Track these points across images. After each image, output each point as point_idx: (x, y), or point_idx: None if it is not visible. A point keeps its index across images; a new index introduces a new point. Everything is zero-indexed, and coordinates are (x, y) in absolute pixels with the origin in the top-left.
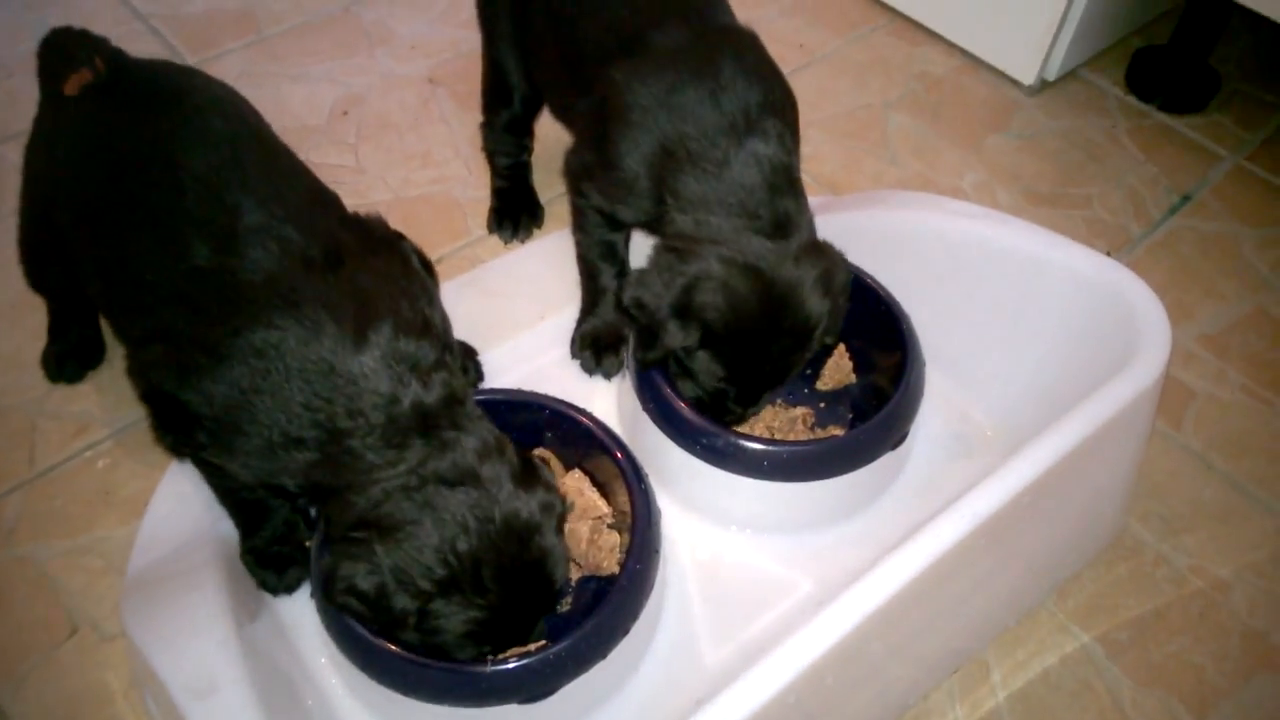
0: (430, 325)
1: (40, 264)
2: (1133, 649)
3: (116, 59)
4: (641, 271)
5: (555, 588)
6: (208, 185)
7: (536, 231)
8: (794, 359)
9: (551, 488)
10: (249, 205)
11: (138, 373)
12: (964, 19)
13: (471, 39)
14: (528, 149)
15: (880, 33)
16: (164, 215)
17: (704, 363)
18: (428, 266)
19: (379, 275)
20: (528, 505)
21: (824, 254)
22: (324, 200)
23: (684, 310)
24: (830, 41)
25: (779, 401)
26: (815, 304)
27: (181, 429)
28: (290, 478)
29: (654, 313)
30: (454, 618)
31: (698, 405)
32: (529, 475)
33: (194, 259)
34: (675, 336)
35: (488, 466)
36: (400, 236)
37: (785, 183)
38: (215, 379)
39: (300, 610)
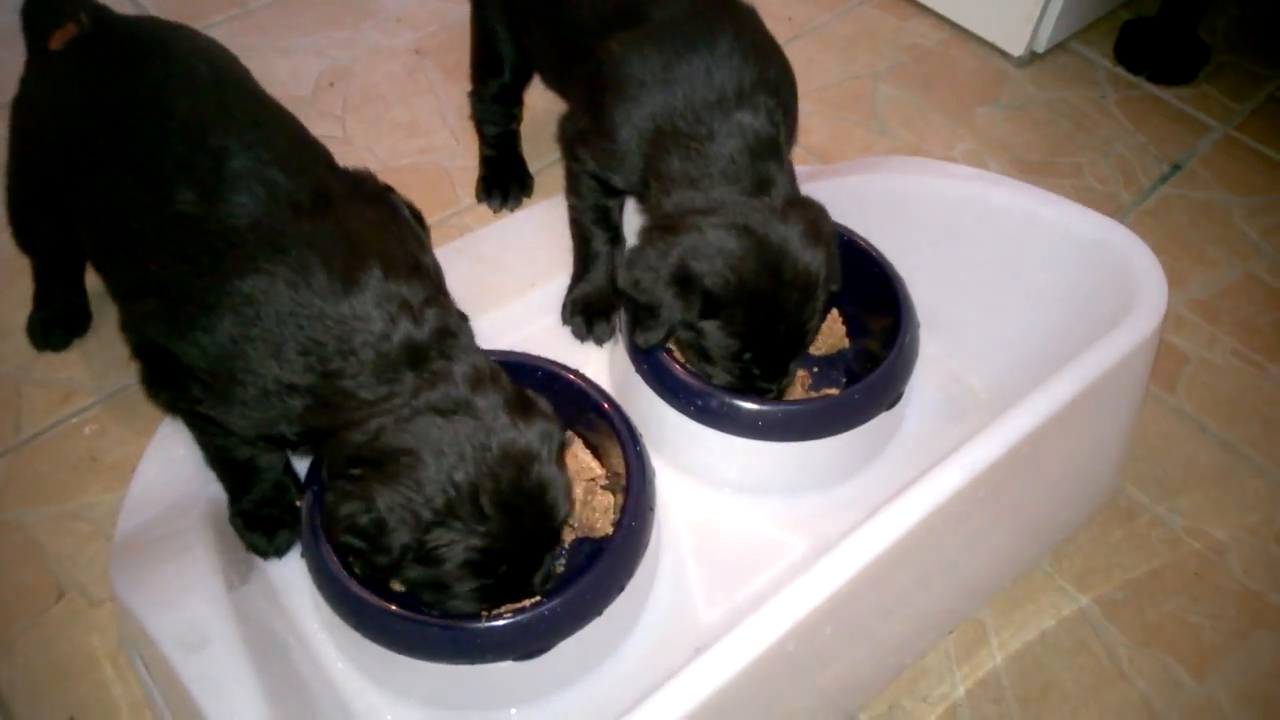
0: (421, 267)
1: (30, 223)
2: (1128, 609)
3: (101, 14)
4: (633, 251)
5: (558, 517)
6: (192, 129)
7: (526, 201)
8: (805, 314)
9: (549, 417)
10: (234, 148)
11: (130, 327)
12: None
13: (458, 10)
14: (516, 118)
15: (868, 6)
16: (149, 160)
17: (716, 336)
18: (418, 218)
19: (367, 220)
20: (525, 434)
21: (806, 206)
22: (312, 148)
23: (683, 280)
24: (818, 15)
25: None
26: (810, 254)
27: (175, 383)
28: (288, 425)
29: (651, 288)
30: (454, 546)
31: (731, 390)
32: (525, 404)
33: (179, 204)
34: (674, 309)
35: (481, 396)
36: (389, 189)
37: (767, 149)
38: (207, 329)
39: (292, 573)
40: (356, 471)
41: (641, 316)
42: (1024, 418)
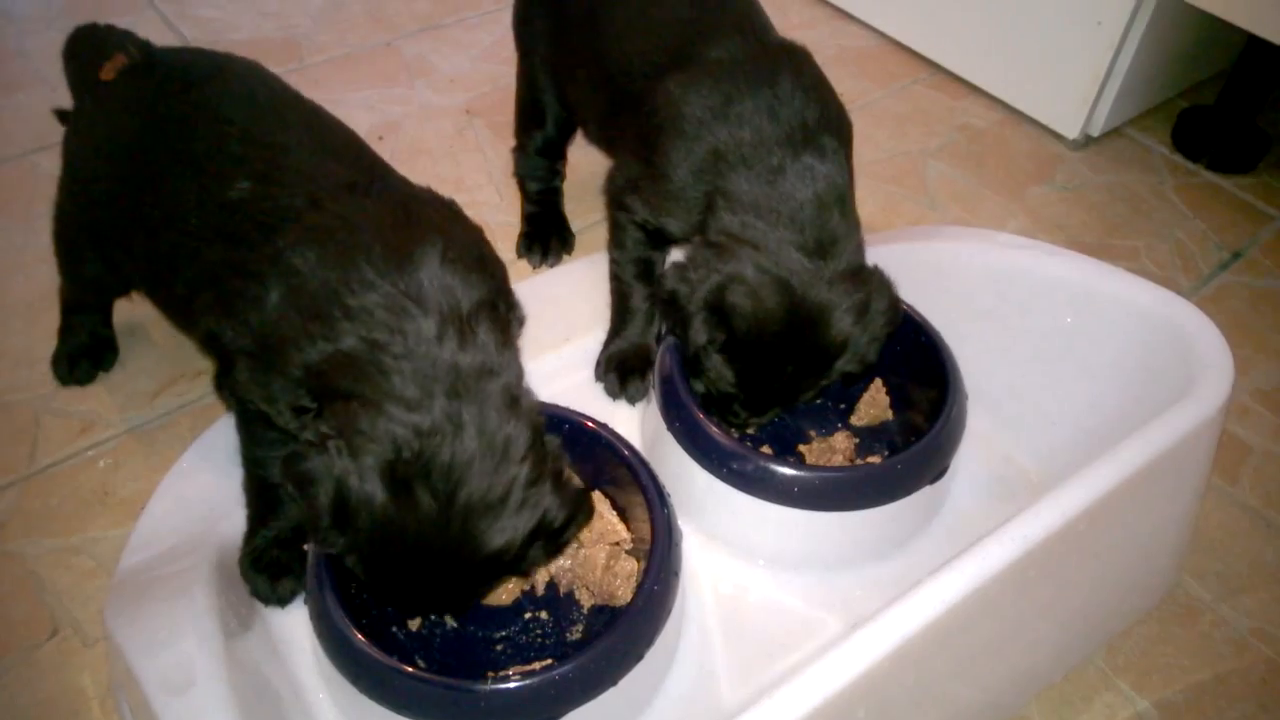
0: (485, 260)
1: (78, 250)
2: (1190, 715)
3: (147, 45)
4: (678, 265)
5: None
6: (252, 133)
7: (566, 258)
8: (806, 383)
9: (569, 503)
10: (292, 145)
11: (194, 324)
12: (1006, 73)
13: (510, 72)
14: (559, 174)
15: (921, 85)
16: (208, 160)
17: (718, 364)
18: (478, 230)
19: (426, 203)
20: (486, 546)
21: (865, 281)
22: (371, 153)
23: (715, 307)
24: (871, 92)
25: (813, 432)
26: (841, 330)
27: (226, 368)
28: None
29: (685, 306)
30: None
31: (704, 402)
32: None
33: (235, 192)
34: (701, 333)
35: (485, 477)
36: (452, 201)
37: (836, 202)
38: (256, 301)
39: (294, 623)
40: (333, 444)
41: (674, 327)
42: (1080, 492)
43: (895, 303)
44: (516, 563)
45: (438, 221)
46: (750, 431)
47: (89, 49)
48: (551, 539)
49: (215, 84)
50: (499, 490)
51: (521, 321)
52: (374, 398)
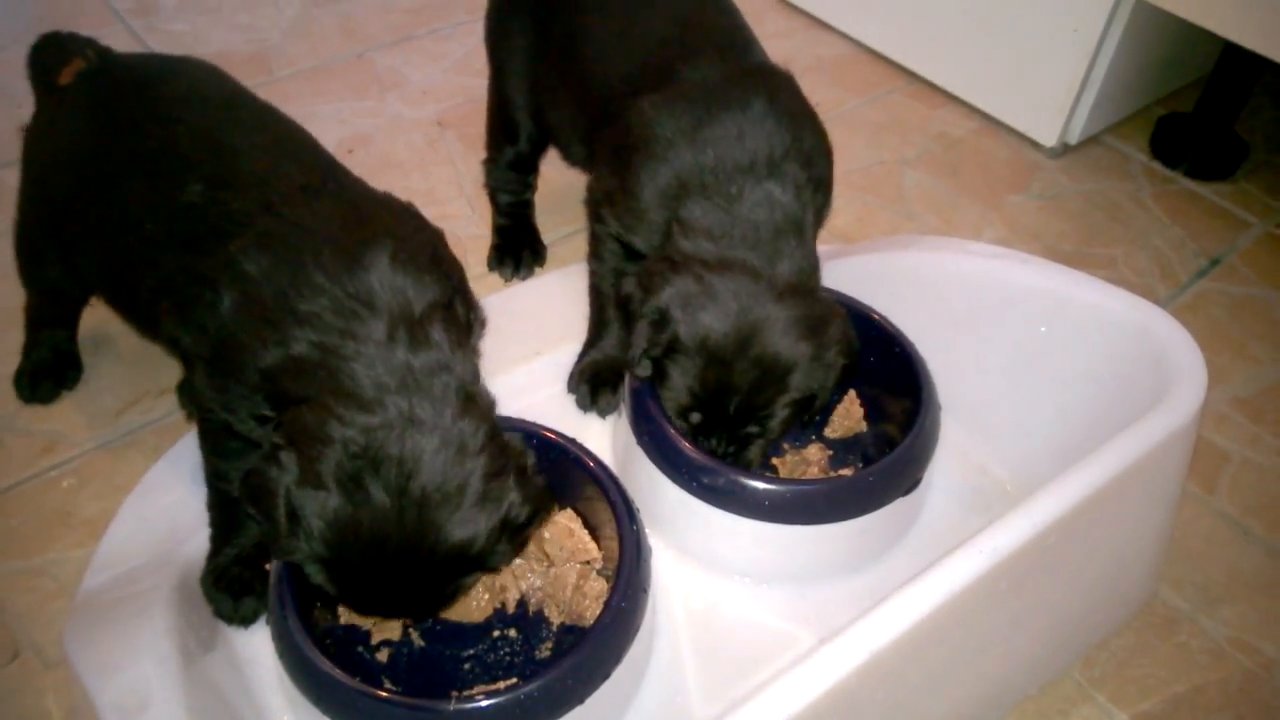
0: (439, 258)
1: (36, 254)
2: None
3: (106, 51)
4: (636, 273)
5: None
6: (205, 134)
7: (538, 270)
8: (761, 399)
9: (527, 497)
10: (244, 147)
11: (157, 329)
12: (983, 82)
13: (483, 84)
14: (531, 187)
15: (898, 94)
16: (161, 163)
17: (673, 380)
18: (438, 235)
19: (381, 204)
20: (447, 539)
21: (816, 301)
22: (326, 156)
23: (658, 320)
24: (846, 100)
25: (786, 445)
26: (787, 344)
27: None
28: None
29: (634, 311)
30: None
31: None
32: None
33: (187, 196)
34: (642, 337)
35: (440, 469)
36: (409, 204)
37: (792, 231)
38: (211, 305)
39: (259, 644)
40: (285, 455)
41: (625, 328)
42: (1052, 502)
43: (847, 326)
44: (483, 558)
45: (389, 222)
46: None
47: (51, 55)
48: (516, 533)
49: (168, 84)
50: (455, 481)
51: (483, 323)
52: (324, 401)
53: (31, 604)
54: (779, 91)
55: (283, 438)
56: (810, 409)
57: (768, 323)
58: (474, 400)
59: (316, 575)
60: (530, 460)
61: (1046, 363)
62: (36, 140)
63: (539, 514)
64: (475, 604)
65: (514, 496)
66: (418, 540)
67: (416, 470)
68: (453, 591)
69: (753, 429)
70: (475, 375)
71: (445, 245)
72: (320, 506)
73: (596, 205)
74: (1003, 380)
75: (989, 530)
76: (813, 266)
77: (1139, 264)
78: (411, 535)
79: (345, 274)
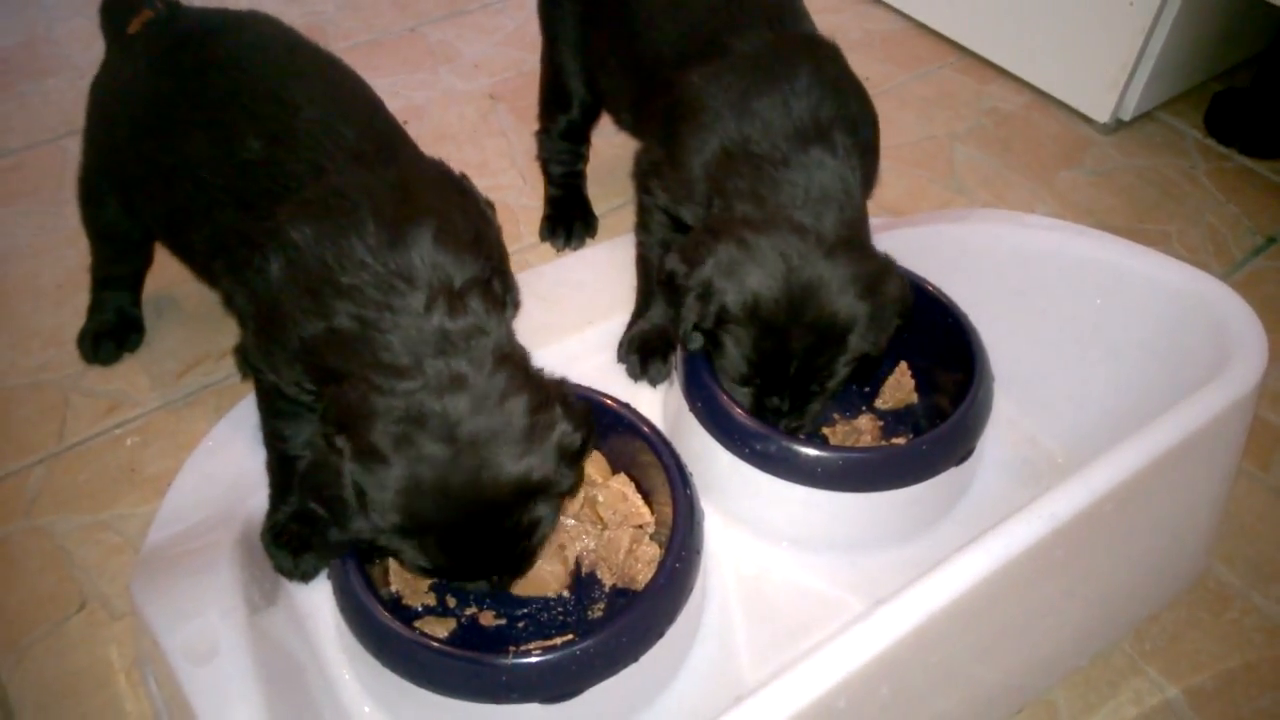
0: (480, 239)
1: (97, 196)
2: (1220, 702)
3: (175, 4)
4: (678, 246)
5: (520, 565)
6: (266, 85)
7: (589, 241)
8: (821, 360)
9: (570, 449)
10: (304, 103)
11: (215, 281)
12: (1035, 56)
13: (534, 58)
14: (583, 157)
15: (948, 69)
16: (222, 113)
17: (730, 352)
18: (489, 205)
19: (428, 179)
20: (506, 471)
21: (870, 257)
22: (385, 117)
23: (704, 292)
24: (896, 75)
25: (836, 415)
26: (844, 302)
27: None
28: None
29: (680, 285)
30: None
31: (789, 435)
32: (541, 428)
33: (245, 153)
34: (691, 311)
35: (487, 414)
36: (464, 176)
37: (841, 193)
38: (260, 270)
39: (319, 600)
40: (339, 440)
41: (671, 305)
42: (1111, 470)
43: (903, 283)
44: (546, 485)
45: (434, 201)
46: (800, 431)
47: (121, 5)
48: (574, 459)
49: (232, 35)
50: (500, 419)
51: (517, 305)
52: (364, 374)
53: (98, 557)
54: (824, 61)
55: (332, 424)
56: (868, 367)
57: (821, 282)
58: (510, 357)
59: (405, 551)
60: (569, 389)
61: (1101, 335)
62: (103, 85)
63: (590, 437)
64: (550, 574)
65: (563, 425)
66: (478, 479)
67: (461, 418)
68: (529, 530)
69: (814, 387)
70: (510, 337)
71: (490, 225)
72: (382, 477)
73: (644, 177)
74: (1055, 353)
75: (1047, 496)
76: (862, 218)
77: (1192, 241)
78: (471, 476)
79: (388, 249)
